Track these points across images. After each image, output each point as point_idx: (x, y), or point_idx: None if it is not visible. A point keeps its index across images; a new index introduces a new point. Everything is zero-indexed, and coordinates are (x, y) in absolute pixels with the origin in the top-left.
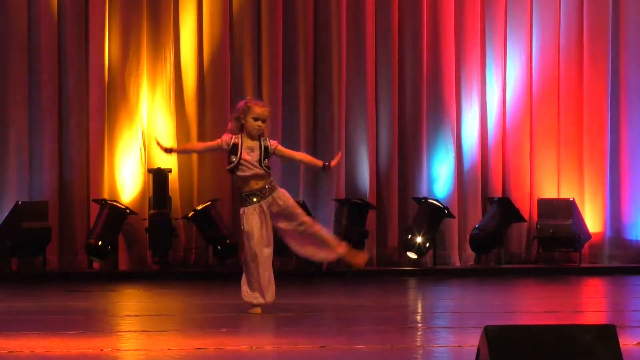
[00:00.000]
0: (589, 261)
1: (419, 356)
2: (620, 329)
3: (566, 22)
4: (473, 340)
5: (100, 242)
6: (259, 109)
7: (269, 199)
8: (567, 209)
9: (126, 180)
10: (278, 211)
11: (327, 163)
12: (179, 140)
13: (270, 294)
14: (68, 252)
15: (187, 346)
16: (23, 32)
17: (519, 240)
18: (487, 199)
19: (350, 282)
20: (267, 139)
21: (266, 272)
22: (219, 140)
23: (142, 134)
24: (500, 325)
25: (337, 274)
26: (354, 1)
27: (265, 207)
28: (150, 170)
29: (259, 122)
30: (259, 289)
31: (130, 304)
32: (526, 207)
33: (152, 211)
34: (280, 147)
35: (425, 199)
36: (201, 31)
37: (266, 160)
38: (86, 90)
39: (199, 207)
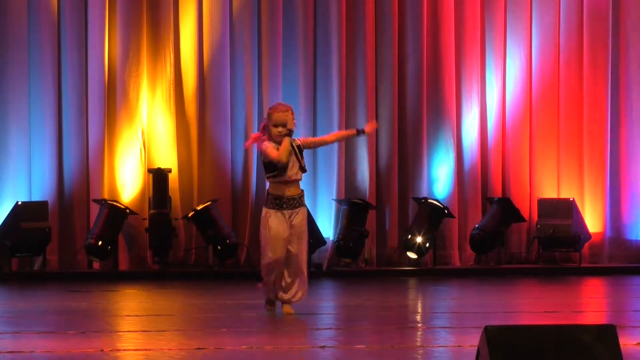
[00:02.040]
0: (589, 261)
1: (419, 356)
2: (620, 329)
3: (566, 22)
4: (473, 340)
5: (100, 242)
6: (276, 115)
7: (295, 210)
8: (567, 209)
9: (126, 180)
10: (293, 225)
11: (361, 129)
12: (178, 140)
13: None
14: (68, 252)
15: (187, 346)
16: (23, 32)
17: (519, 240)
18: (487, 199)
19: (350, 282)
20: (293, 138)
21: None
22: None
23: (142, 134)
24: (500, 325)
25: (337, 273)
26: (354, 1)
27: (287, 216)
28: (150, 170)
29: (279, 128)
30: None
31: (130, 304)
32: (526, 207)
33: (152, 211)
34: (307, 140)
35: (425, 199)
36: (201, 31)
37: (303, 160)
38: (86, 91)
39: (199, 207)
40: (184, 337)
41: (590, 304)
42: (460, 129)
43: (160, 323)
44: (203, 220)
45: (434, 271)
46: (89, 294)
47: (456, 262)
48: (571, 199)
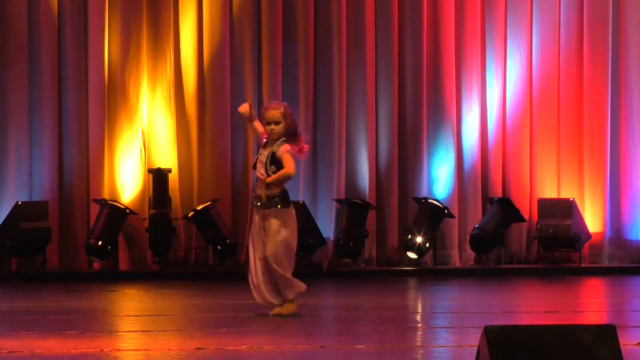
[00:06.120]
0: (589, 261)
1: (419, 356)
2: (620, 329)
3: (566, 22)
4: (473, 340)
5: (100, 242)
6: (268, 113)
7: (267, 212)
8: (567, 209)
9: (126, 180)
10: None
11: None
12: (179, 140)
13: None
14: (68, 252)
15: (187, 346)
16: (23, 33)
17: (519, 240)
18: (487, 199)
19: (350, 282)
20: (280, 144)
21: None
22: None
23: (142, 134)
24: (500, 325)
25: (337, 274)
26: (354, 1)
27: (259, 217)
28: (150, 170)
29: (271, 126)
30: None
31: (130, 304)
32: (526, 207)
33: (152, 211)
34: (286, 155)
35: (425, 199)
36: (201, 31)
37: (273, 167)
38: (86, 90)
39: (199, 207)
40: (184, 337)
41: (590, 304)
42: (460, 129)
43: (160, 323)
44: (203, 220)
45: (434, 271)
46: (89, 294)
47: (456, 262)
48: (571, 199)
